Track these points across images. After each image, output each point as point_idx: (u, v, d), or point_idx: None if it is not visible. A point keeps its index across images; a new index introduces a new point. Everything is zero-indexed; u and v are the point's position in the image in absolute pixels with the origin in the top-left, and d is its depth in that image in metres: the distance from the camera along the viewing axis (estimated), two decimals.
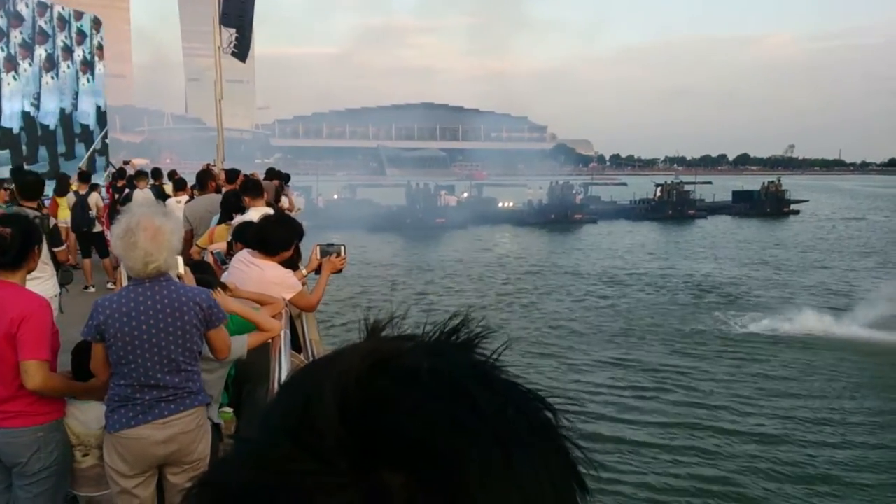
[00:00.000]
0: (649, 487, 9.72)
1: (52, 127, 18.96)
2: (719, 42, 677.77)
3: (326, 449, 0.37)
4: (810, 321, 17.99)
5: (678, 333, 17.88)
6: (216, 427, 3.46)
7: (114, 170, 16.39)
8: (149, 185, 11.34)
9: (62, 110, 19.27)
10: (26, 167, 17.55)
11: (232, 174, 9.03)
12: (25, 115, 18.05)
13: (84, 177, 11.22)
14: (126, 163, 17.03)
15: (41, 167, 18.09)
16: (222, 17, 15.03)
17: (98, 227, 10.48)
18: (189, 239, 6.75)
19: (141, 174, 11.71)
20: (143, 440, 2.99)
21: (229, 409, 3.74)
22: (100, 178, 19.26)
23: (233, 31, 15.28)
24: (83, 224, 10.39)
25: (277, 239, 4.27)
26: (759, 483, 9.83)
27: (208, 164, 14.91)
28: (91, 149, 20.08)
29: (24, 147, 17.88)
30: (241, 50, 15.46)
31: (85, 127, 20.13)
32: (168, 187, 11.54)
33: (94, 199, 10.62)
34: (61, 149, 19.18)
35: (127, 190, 11.81)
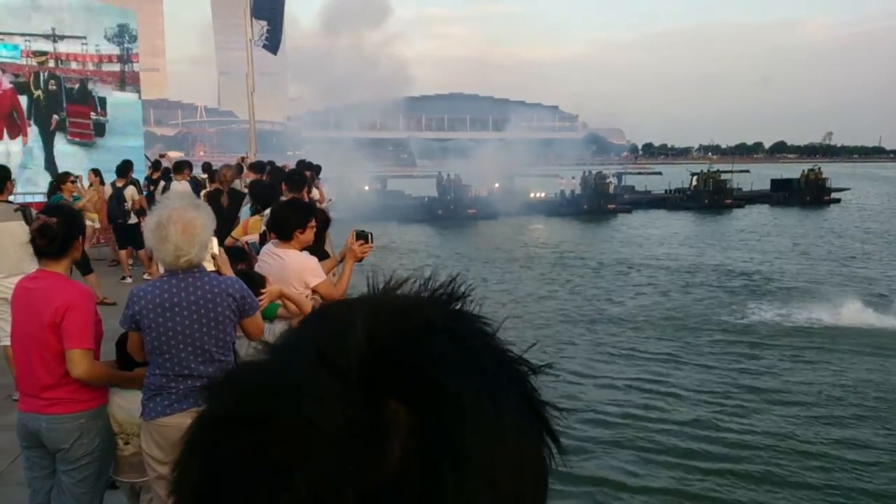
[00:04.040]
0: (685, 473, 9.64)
1: None
2: (754, 26, 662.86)
3: (349, 371, 0.43)
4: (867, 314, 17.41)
5: (727, 325, 17.58)
6: None
7: (149, 161, 16.60)
8: (188, 178, 11.40)
9: None
10: None
11: (275, 171, 8.94)
12: None
13: (121, 170, 11.39)
14: (162, 156, 17.30)
15: None
16: (254, 10, 15.18)
17: (134, 219, 10.66)
18: None
19: (182, 164, 11.71)
20: (178, 428, 3.05)
21: None
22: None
23: (264, 23, 15.42)
24: (118, 216, 10.59)
25: (289, 220, 4.33)
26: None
27: (242, 157, 15.10)
28: None
29: None
30: (273, 42, 15.61)
31: None
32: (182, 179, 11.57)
33: (130, 192, 10.78)
34: None
35: (163, 182, 12.00)
